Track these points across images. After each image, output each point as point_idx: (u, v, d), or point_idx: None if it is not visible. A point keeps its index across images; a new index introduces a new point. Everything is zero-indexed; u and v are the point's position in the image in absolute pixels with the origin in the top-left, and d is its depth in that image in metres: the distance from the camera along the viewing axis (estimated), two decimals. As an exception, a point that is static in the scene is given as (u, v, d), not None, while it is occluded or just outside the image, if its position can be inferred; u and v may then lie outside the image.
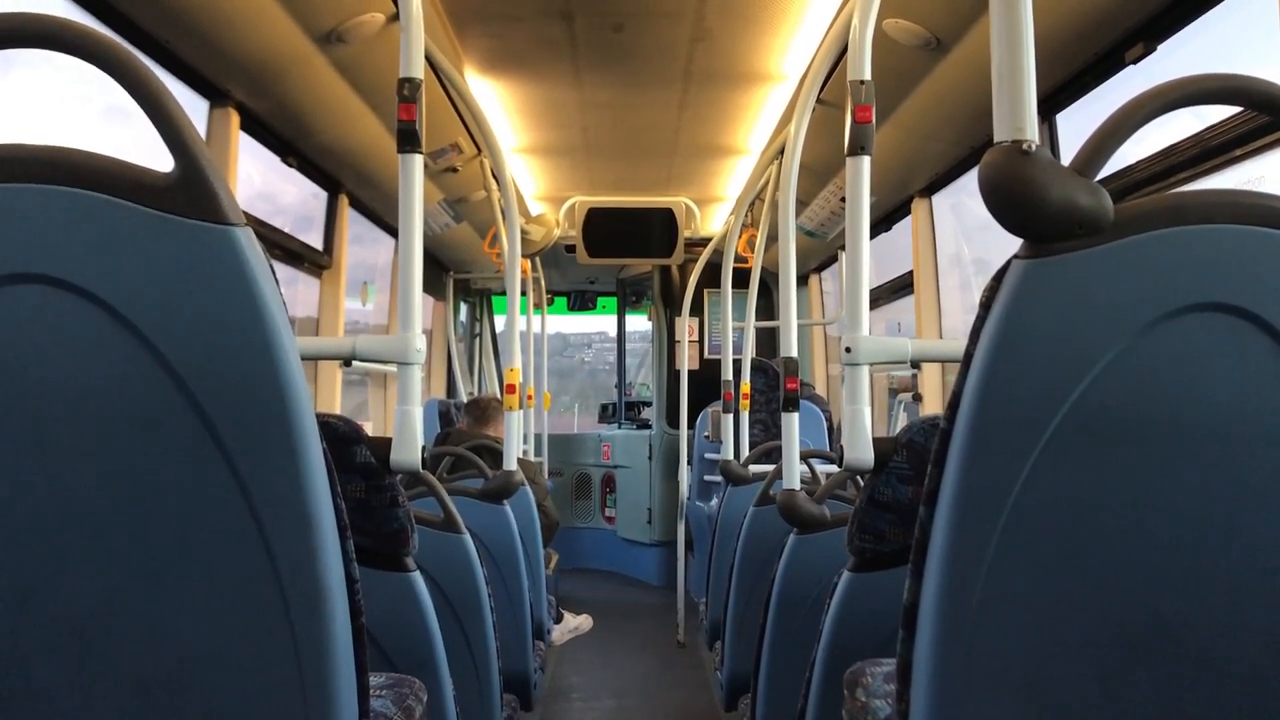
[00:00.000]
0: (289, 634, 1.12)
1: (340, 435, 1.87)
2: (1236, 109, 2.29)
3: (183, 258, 1.05)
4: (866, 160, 1.99)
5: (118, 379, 1.06)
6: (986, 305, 1.12)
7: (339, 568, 1.15)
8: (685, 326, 5.85)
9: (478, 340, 7.93)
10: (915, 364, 3.88)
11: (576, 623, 5.29)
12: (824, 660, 1.90)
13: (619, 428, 8.11)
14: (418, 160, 1.98)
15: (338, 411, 4.30)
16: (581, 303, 8.75)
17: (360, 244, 5.24)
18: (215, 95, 3.15)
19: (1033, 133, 1.14)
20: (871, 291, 5.43)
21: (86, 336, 1.05)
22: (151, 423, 1.06)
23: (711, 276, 4.58)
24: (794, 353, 2.50)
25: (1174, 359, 1.10)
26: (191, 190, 1.05)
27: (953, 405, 1.15)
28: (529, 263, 5.98)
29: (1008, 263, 1.12)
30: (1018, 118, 1.15)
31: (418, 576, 2.00)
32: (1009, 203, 1.09)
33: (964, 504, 1.13)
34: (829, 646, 1.89)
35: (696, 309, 6.94)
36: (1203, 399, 1.11)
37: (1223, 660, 1.15)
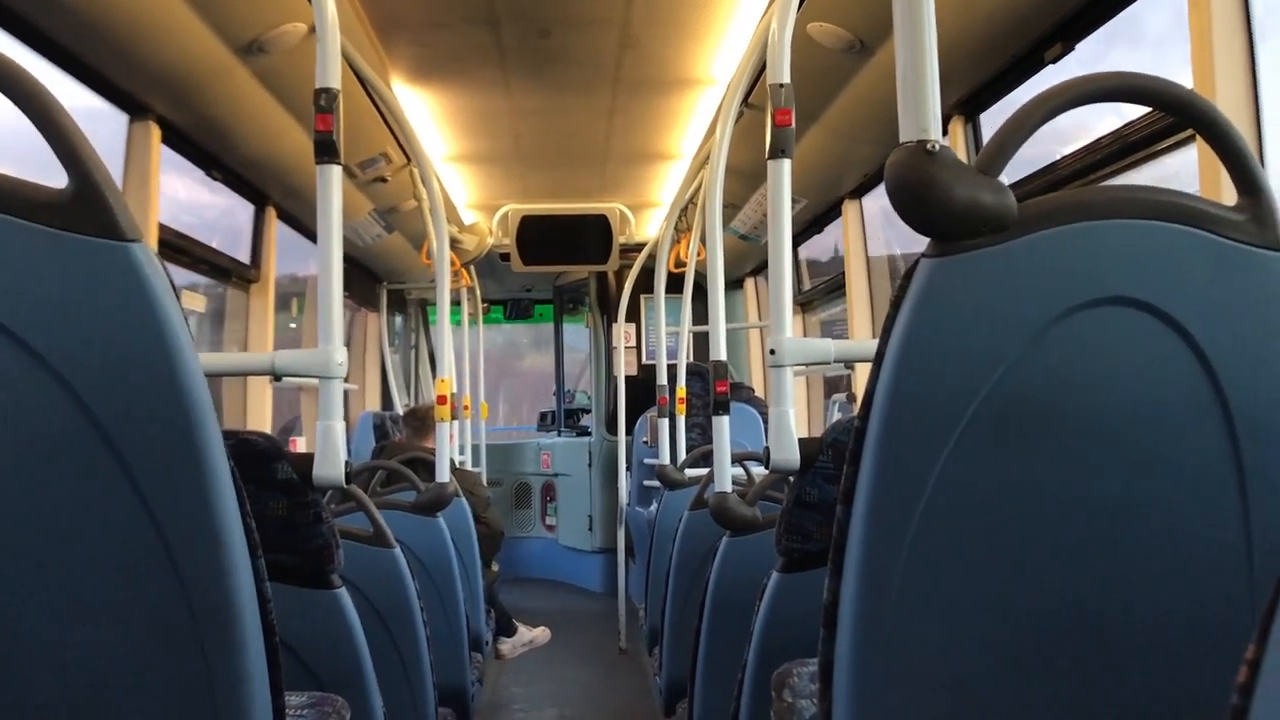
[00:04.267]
0: (200, 656, 1.10)
1: (260, 452, 1.84)
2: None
3: (79, 276, 1.02)
4: (787, 163, 2.00)
5: (14, 400, 1.03)
6: (896, 304, 1.13)
7: (250, 587, 1.13)
8: (621, 333, 5.85)
9: (414, 352, 7.86)
10: (849, 364, 3.90)
11: (532, 635, 5.15)
12: (755, 662, 1.90)
13: (559, 435, 8.08)
14: (336, 171, 1.95)
15: (268, 429, 4.24)
16: (518, 311, 8.70)
17: (298, 255, 5.18)
18: (135, 109, 3.09)
19: (937, 133, 1.15)
20: (806, 294, 5.52)
21: None
22: (51, 444, 1.04)
23: (647, 282, 4.59)
24: (723, 356, 2.51)
25: (1080, 352, 1.12)
26: (87, 206, 1.02)
27: (866, 404, 1.16)
28: (466, 272, 5.94)
29: (916, 261, 1.13)
30: (922, 118, 1.16)
31: (343, 593, 1.97)
32: (914, 202, 1.10)
33: (879, 502, 1.14)
34: (759, 648, 1.90)
35: (633, 315, 6.93)
36: (1109, 391, 1.13)
37: (1138, 647, 1.17)
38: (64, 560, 1.06)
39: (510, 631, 4.75)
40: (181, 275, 3.77)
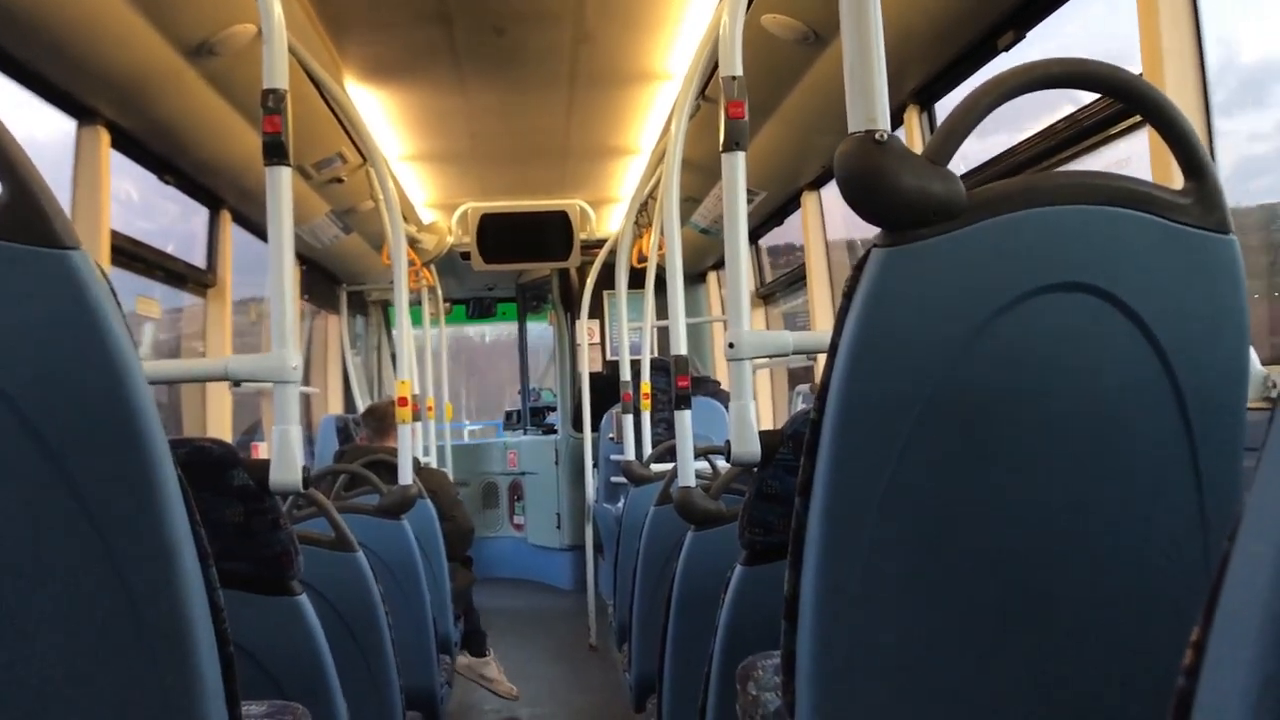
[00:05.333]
0: (152, 667, 1.08)
1: (215, 459, 1.82)
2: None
3: (14, 285, 1.00)
4: (741, 156, 2.00)
5: None
6: (848, 295, 1.13)
7: (202, 596, 1.11)
8: (584, 329, 5.83)
9: (377, 353, 7.80)
10: (810, 355, 3.91)
11: (497, 677, 4.50)
12: (720, 655, 1.90)
13: (524, 434, 8.06)
14: (286, 173, 1.92)
15: (227, 436, 4.20)
16: (481, 310, 8.66)
17: (263, 259, 5.12)
18: (83, 114, 3.05)
19: (885, 122, 1.15)
20: (768, 286, 5.53)
21: None
22: None
23: (610, 278, 4.58)
24: (683, 350, 2.50)
25: (1032, 338, 1.12)
26: (21, 214, 1.00)
27: (821, 395, 1.16)
28: (427, 271, 5.90)
29: (867, 252, 1.13)
30: (870, 107, 1.16)
31: (304, 599, 1.95)
32: (864, 191, 1.10)
33: (835, 493, 1.14)
34: (724, 641, 1.89)
35: (596, 311, 6.92)
36: (1062, 375, 1.13)
37: (1090, 628, 1.18)
38: (5, 575, 1.04)
39: (480, 653, 4.52)
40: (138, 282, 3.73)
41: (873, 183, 1.09)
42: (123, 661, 1.08)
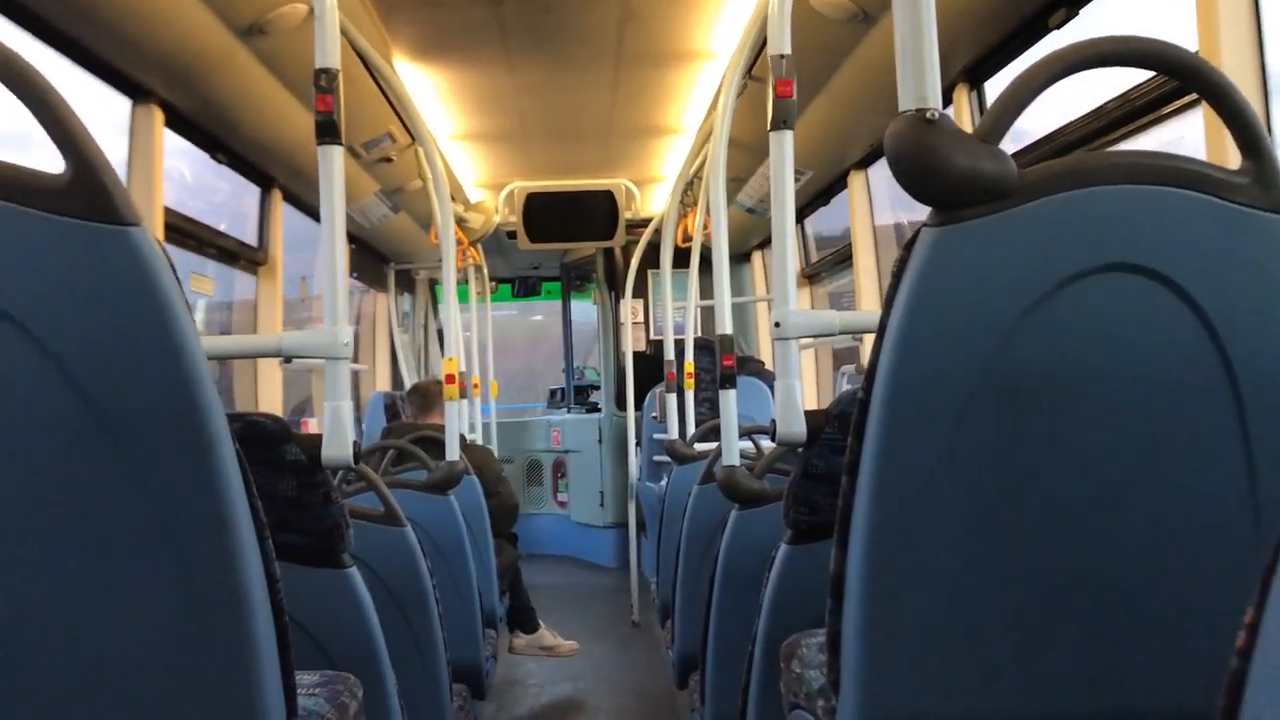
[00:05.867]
0: (209, 637, 1.11)
1: (269, 434, 1.85)
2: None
3: (78, 261, 1.03)
4: (789, 135, 1.99)
5: (14, 386, 1.03)
6: (897, 275, 1.13)
7: (258, 568, 1.14)
8: (629, 309, 5.83)
9: (424, 331, 7.86)
10: (856, 336, 3.89)
11: (554, 643, 4.67)
12: (764, 633, 1.91)
13: (568, 412, 8.09)
14: (338, 152, 1.94)
15: (278, 411, 4.25)
16: (526, 289, 8.70)
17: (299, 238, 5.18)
18: (137, 93, 3.09)
19: (936, 101, 1.15)
20: (814, 266, 5.51)
21: None
22: (52, 429, 1.04)
23: (654, 258, 4.59)
24: (729, 329, 2.50)
25: (1084, 319, 1.12)
26: (85, 191, 1.02)
27: (869, 375, 1.16)
28: (475, 250, 5.93)
29: (917, 231, 1.12)
30: (921, 86, 1.15)
31: (354, 572, 1.98)
32: (915, 171, 1.10)
33: (883, 472, 1.14)
34: (769, 620, 1.90)
35: (640, 291, 6.92)
36: (1113, 357, 1.13)
37: (1143, 613, 1.17)
38: (68, 546, 1.07)
39: (531, 628, 4.57)
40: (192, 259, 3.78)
41: (924, 162, 1.08)
42: (180, 631, 1.11)
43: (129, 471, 1.05)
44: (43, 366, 1.03)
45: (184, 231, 3.62)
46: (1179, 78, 1.21)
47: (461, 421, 3.62)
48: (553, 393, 9.12)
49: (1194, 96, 2.29)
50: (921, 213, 1.13)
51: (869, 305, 4.39)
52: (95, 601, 1.08)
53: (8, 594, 1.08)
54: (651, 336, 7.05)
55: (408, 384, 6.72)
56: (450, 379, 3.08)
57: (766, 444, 3.55)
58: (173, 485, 1.06)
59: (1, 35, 2.55)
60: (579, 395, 8.32)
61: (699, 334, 4.60)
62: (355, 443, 1.90)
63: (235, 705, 1.12)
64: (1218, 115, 1.16)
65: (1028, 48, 2.97)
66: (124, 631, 1.10)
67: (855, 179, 4.48)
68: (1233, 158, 1.17)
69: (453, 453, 3.04)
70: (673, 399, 4.38)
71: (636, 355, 5.99)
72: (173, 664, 1.11)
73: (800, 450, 1.95)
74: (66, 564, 1.07)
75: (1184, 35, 2.20)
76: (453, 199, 4.46)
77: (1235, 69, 2.04)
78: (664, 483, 4.35)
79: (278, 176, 4.24)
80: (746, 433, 3.35)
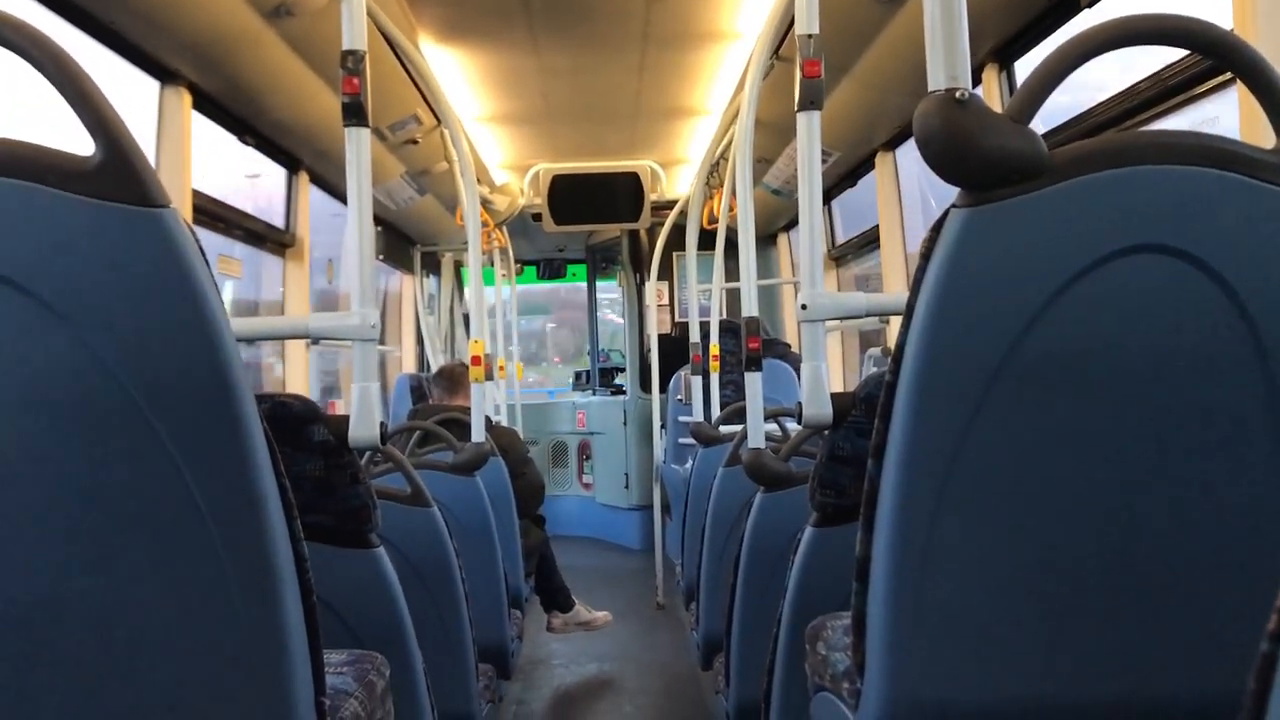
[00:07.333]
0: (238, 615, 1.12)
1: (296, 415, 1.86)
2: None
3: (110, 243, 1.03)
4: (817, 116, 1.98)
5: (47, 367, 1.04)
6: (926, 256, 1.12)
7: (287, 547, 1.15)
8: (654, 291, 5.83)
9: (450, 313, 7.88)
10: (883, 318, 3.86)
11: (590, 617, 4.73)
12: (790, 616, 1.91)
13: (593, 394, 8.10)
14: (365, 134, 1.95)
15: (306, 392, 4.28)
16: (551, 271, 8.70)
17: (342, 219, 5.20)
18: (165, 75, 3.10)
19: (966, 81, 1.14)
20: (840, 248, 5.48)
21: (11, 324, 1.03)
22: (85, 409, 1.05)
23: (680, 239, 4.58)
24: (754, 312, 2.50)
25: (1115, 300, 1.10)
26: (115, 173, 1.03)
27: (896, 357, 1.15)
28: (499, 232, 5.94)
29: (945, 212, 1.12)
30: (951, 66, 1.14)
31: (381, 552, 1.99)
32: (944, 152, 1.09)
33: (910, 455, 1.14)
34: (794, 602, 1.90)
35: (666, 273, 6.91)
36: (1144, 339, 1.12)
37: (1168, 591, 1.16)
38: (100, 526, 1.08)
39: (567, 607, 4.63)
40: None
41: (954, 142, 1.08)
42: (210, 608, 1.12)
43: (159, 451, 1.06)
44: (74, 347, 1.03)
45: (211, 214, 3.64)
46: (1213, 56, 1.19)
47: (487, 403, 3.64)
48: (578, 374, 9.14)
49: (1229, 76, 2.26)
50: (951, 194, 1.12)
51: (895, 287, 4.37)
52: (127, 581, 1.10)
53: (40, 573, 1.09)
54: (677, 319, 7.04)
55: (433, 366, 6.75)
56: (476, 360, 3.09)
57: (792, 426, 3.54)
58: (203, 464, 1.07)
59: (31, 18, 2.56)
60: (604, 377, 8.34)
61: (724, 316, 4.59)
62: (382, 424, 1.91)
63: (264, 683, 1.14)
64: (1253, 94, 1.15)
65: (1058, 27, 2.94)
66: (154, 611, 1.11)
67: (883, 160, 4.45)
68: (1268, 138, 1.15)
69: (478, 434, 3.05)
70: (698, 381, 4.38)
71: (661, 338, 5.99)
72: (203, 643, 1.12)
73: (826, 433, 1.95)
74: (99, 544, 1.08)
75: (1218, 13, 2.17)
76: (478, 181, 4.46)
77: (1271, 47, 2.01)
78: (689, 465, 4.36)
79: (304, 159, 4.25)
80: (772, 415, 3.35)
